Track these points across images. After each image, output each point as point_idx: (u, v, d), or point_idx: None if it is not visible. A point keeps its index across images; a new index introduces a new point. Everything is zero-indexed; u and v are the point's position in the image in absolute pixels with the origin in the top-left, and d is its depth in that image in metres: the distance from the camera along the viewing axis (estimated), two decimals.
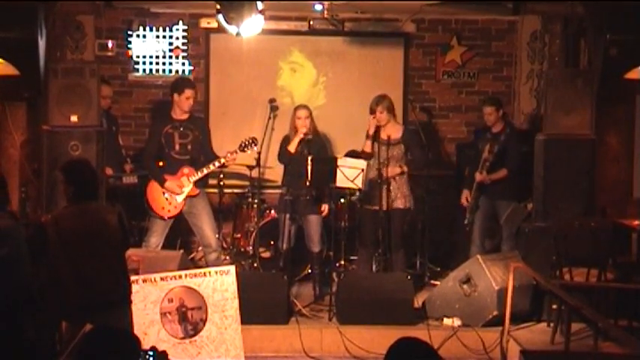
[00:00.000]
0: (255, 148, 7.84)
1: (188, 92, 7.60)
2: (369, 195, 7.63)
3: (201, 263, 7.87)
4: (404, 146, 7.65)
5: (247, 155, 7.95)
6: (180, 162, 7.61)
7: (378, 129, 7.63)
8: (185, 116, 7.69)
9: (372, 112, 7.61)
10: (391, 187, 7.55)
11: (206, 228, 7.66)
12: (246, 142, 7.75)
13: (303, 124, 7.68)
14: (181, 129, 7.65)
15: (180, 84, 7.74)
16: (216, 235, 7.81)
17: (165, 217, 7.59)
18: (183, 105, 7.60)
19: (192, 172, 7.58)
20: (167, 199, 7.58)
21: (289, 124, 7.84)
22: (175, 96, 7.63)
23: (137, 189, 7.99)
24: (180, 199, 7.58)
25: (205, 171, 7.62)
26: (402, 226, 7.70)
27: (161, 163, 7.68)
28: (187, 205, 7.62)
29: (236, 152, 7.67)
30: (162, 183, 7.54)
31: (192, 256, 8.38)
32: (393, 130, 7.61)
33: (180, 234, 8.25)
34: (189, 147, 7.65)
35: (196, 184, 7.61)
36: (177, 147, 7.64)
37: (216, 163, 7.61)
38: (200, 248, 8.21)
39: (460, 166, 8.86)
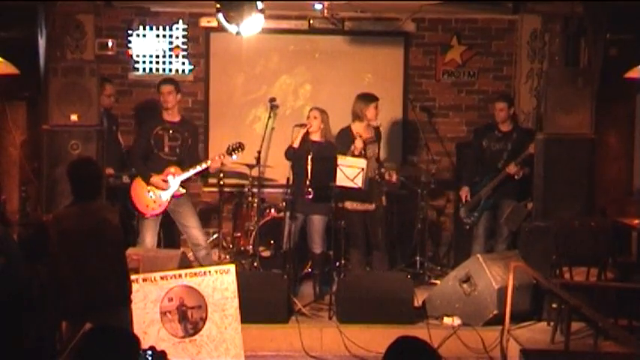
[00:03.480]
0: (240, 153, 7.82)
1: (164, 87, 7.66)
2: (356, 195, 7.64)
3: (194, 264, 7.83)
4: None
5: (247, 154, 7.95)
6: (169, 163, 7.65)
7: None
8: (177, 119, 7.75)
9: (362, 114, 7.71)
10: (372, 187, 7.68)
11: (193, 226, 7.72)
12: (233, 147, 7.75)
13: (311, 122, 7.72)
14: (171, 131, 7.68)
15: (159, 82, 7.81)
16: (203, 233, 7.85)
17: (148, 215, 7.60)
18: (165, 101, 7.64)
19: (179, 172, 7.61)
20: (152, 197, 7.59)
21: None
22: (159, 95, 7.67)
23: None
24: (165, 197, 7.60)
25: (192, 171, 7.65)
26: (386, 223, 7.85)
27: None
28: (173, 204, 7.66)
29: (223, 156, 7.69)
30: (147, 179, 7.56)
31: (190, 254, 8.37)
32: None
33: (181, 233, 8.23)
34: (177, 150, 7.70)
35: (182, 184, 7.64)
36: (166, 149, 7.69)
37: (204, 165, 7.65)
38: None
39: (460, 166, 8.87)
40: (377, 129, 7.90)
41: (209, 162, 7.68)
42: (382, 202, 7.81)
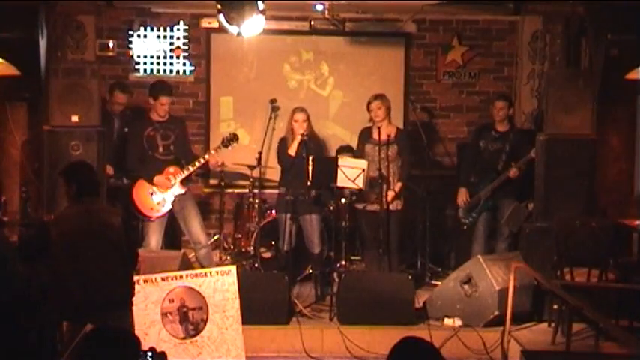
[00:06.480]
0: (235, 144, 7.82)
1: (163, 99, 7.63)
2: (367, 195, 7.63)
3: (195, 263, 7.83)
4: (397, 147, 7.68)
5: (248, 155, 7.95)
6: (166, 162, 7.64)
7: (376, 129, 7.64)
8: (165, 117, 7.72)
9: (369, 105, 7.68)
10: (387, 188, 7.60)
11: (195, 225, 7.72)
12: (228, 138, 7.76)
13: (301, 126, 7.62)
14: (162, 131, 7.67)
15: (156, 90, 7.74)
16: (205, 231, 7.85)
17: (153, 218, 7.59)
18: (158, 110, 7.64)
19: (178, 171, 7.62)
20: (155, 199, 7.58)
21: (286, 127, 7.84)
22: (151, 100, 7.67)
23: None
24: (169, 198, 7.59)
25: (191, 169, 7.67)
26: (400, 227, 7.73)
27: None
28: (176, 204, 7.65)
29: (219, 148, 7.70)
30: (150, 180, 7.55)
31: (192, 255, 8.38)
32: (390, 130, 7.66)
33: (182, 234, 8.24)
34: (172, 147, 7.71)
35: (182, 182, 7.64)
36: (160, 149, 7.68)
37: (202, 160, 7.66)
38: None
39: (459, 167, 8.86)
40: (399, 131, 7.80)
41: (206, 157, 7.67)
42: (397, 205, 7.74)
